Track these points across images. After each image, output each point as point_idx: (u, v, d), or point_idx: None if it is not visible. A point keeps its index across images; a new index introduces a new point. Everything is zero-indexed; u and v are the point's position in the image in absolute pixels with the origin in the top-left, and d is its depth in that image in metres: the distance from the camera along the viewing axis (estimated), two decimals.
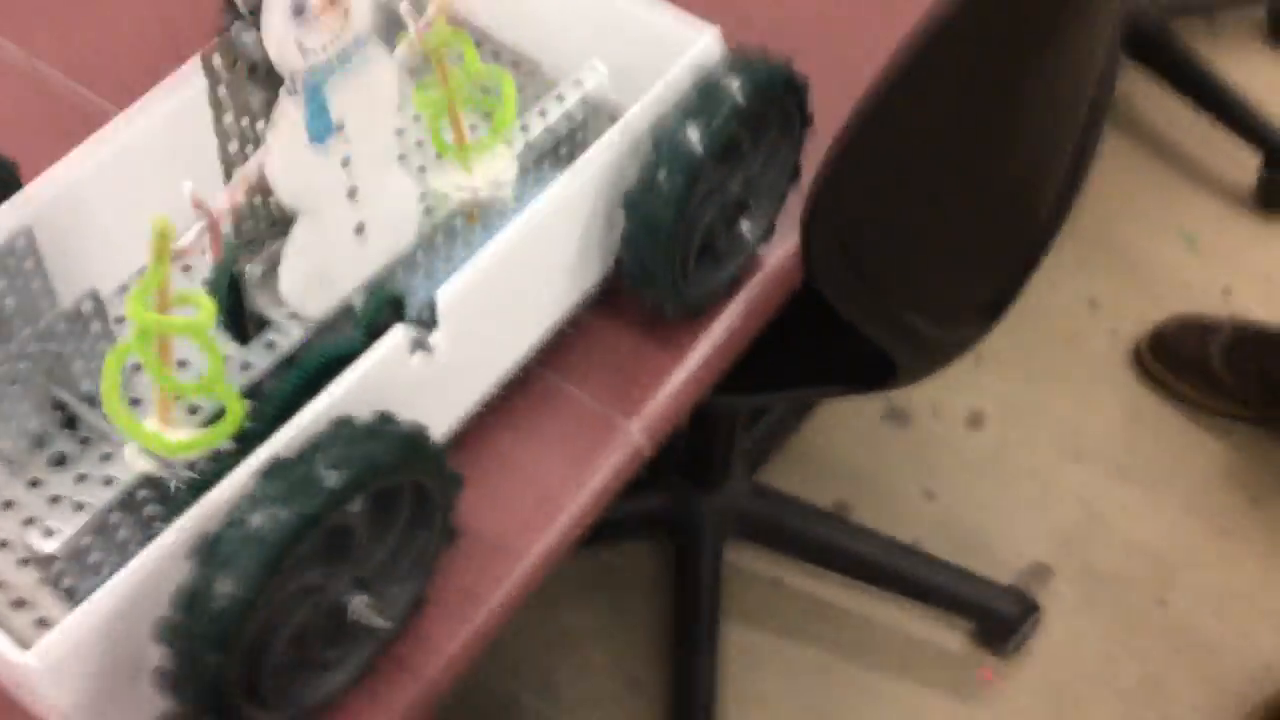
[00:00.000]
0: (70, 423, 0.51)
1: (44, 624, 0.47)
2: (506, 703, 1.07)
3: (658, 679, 1.08)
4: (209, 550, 0.41)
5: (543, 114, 0.55)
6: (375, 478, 0.44)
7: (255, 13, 0.40)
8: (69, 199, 0.50)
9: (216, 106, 0.41)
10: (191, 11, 0.68)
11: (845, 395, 0.79)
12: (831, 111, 0.58)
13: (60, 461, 0.51)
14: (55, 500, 0.50)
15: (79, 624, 0.41)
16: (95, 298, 0.48)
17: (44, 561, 0.44)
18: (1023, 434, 1.19)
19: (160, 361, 0.43)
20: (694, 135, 0.52)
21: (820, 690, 1.07)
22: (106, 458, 0.51)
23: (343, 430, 0.44)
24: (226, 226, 0.44)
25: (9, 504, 0.50)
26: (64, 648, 0.40)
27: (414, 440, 0.45)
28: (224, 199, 0.43)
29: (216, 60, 0.40)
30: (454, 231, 0.54)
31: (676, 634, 1.06)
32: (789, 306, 0.64)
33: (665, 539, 1.11)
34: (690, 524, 1.05)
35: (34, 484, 0.50)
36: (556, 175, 0.58)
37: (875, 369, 0.72)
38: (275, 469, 0.42)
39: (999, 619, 1.07)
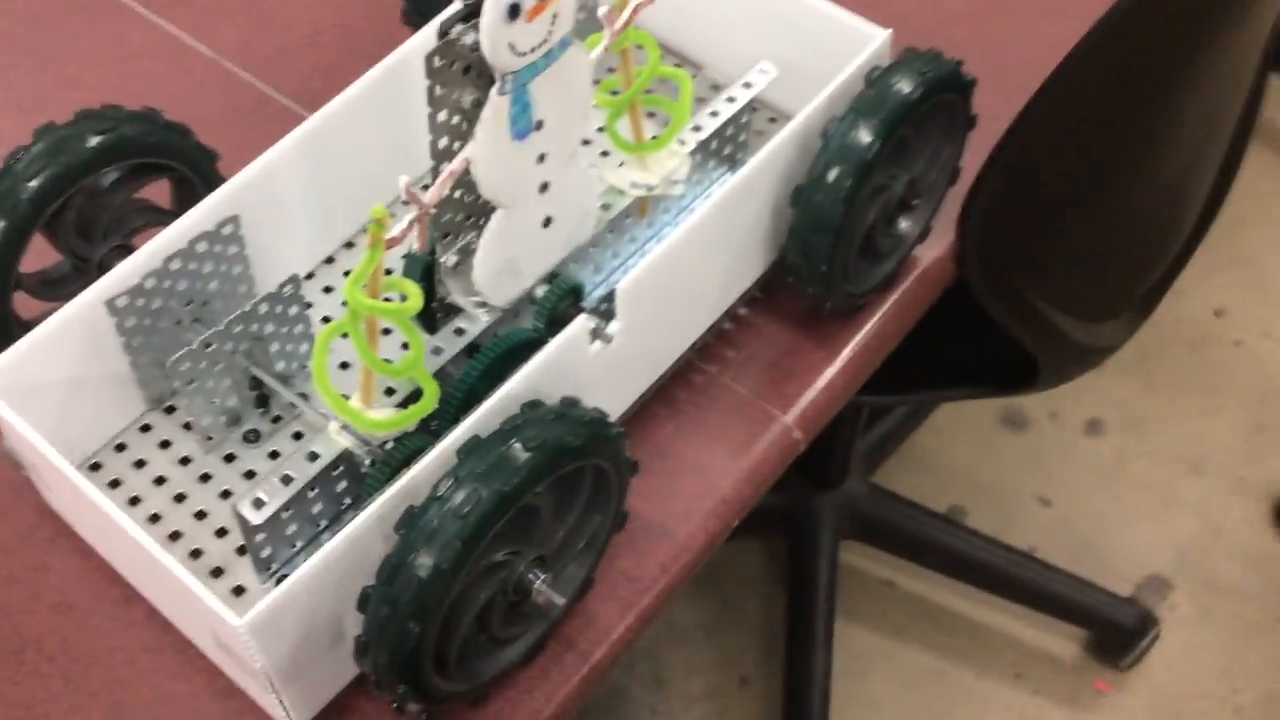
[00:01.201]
0: (262, 402, 0.54)
1: (239, 591, 0.50)
2: (617, 694, 1.09)
3: (767, 676, 1.09)
4: (413, 524, 0.43)
5: (714, 114, 0.56)
6: (564, 459, 0.45)
7: (473, 17, 0.41)
8: (268, 190, 0.53)
9: (434, 104, 0.44)
10: (365, 15, 0.71)
11: (983, 397, 0.80)
12: (987, 111, 0.59)
13: (253, 439, 0.53)
14: (249, 475, 0.52)
15: (288, 592, 0.43)
16: (296, 282, 0.51)
17: (249, 531, 0.46)
18: (1142, 443, 1.18)
19: (368, 343, 0.45)
20: (865, 136, 0.53)
21: (931, 695, 1.07)
22: (297, 436, 0.54)
23: (533, 413, 0.46)
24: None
25: (206, 477, 0.52)
26: (273, 614, 0.43)
27: (597, 424, 0.47)
28: (432, 193, 0.45)
29: (437, 60, 0.42)
30: (622, 226, 0.56)
31: (790, 632, 1.07)
32: (932, 308, 0.65)
33: (778, 536, 1.12)
34: (807, 522, 1.05)
35: (228, 459, 0.53)
36: (718, 172, 0.60)
37: (1016, 371, 0.72)
38: (475, 448, 0.44)
39: (1116, 630, 1.06)
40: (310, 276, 0.58)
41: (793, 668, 1.05)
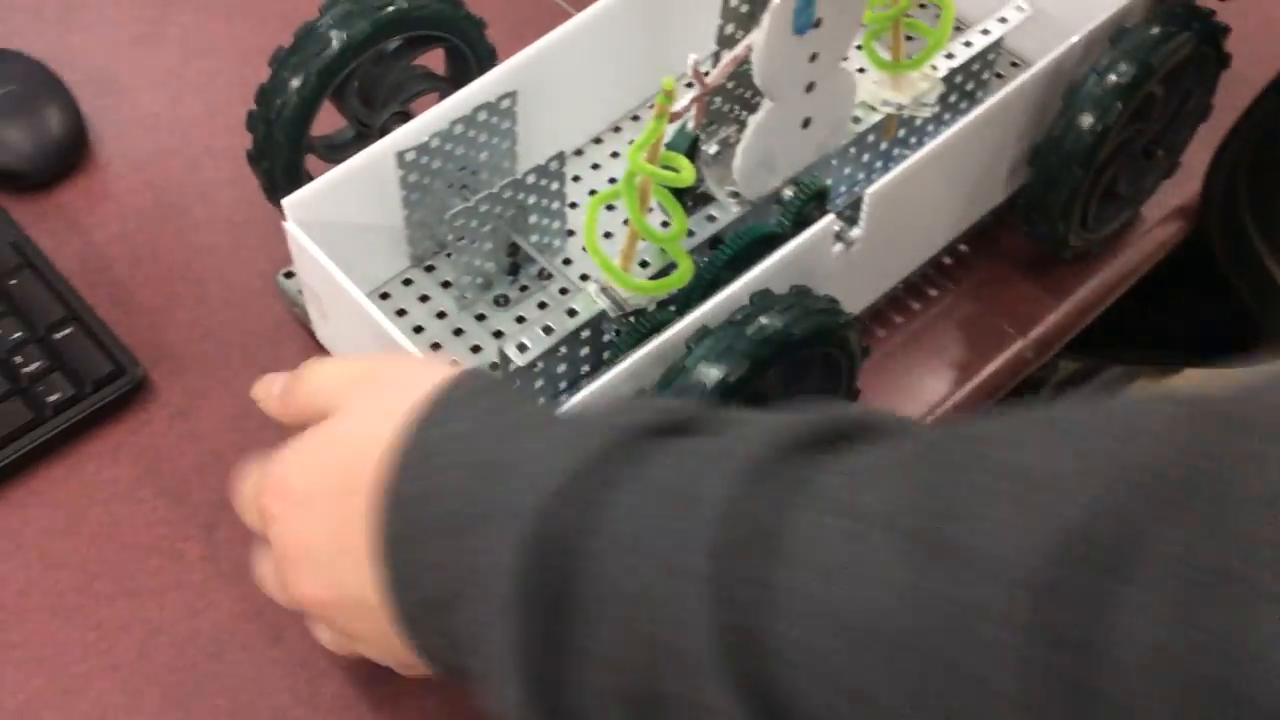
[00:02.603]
0: (513, 270, 0.57)
1: None
2: None
3: None
4: (659, 387, 0.46)
5: (968, 44, 0.58)
6: (797, 346, 0.48)
7: None
8: (540, 72, 0.56)
9: None
10: None
11: (1193, 366, 0.79)
12: (1241, 62, 0.59)
13: (502, 303, 0.57)
14: (498, 335, 0.56)
15: None
16: (561, 158, 0.54)
17: (510, 374, 0.50)
18: None
19: (639, 208, 0.48)
20: (1117, 84, 0.54)
21: None
22: (542, 306, 0.57)
23: (767, 300, 0.48)
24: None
25: (459, 331, 0.57)
26: None
27: (828, 312, 0.49)
28: (715, 75, 0.47)
29: None
30: (864, 141, 0.58)
31: None
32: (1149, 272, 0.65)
33: None
34: None
35: (479, 318, 0.57)
36: (956, 105, 0.61)
37: (1232, 339, 0.72)
38: (704, 334, 0.47)
39: None
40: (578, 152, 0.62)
41: None
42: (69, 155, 0.64)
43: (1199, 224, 0.63)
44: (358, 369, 0.43)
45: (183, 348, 0.58)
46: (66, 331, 0.56)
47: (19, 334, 0.56)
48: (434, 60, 0.58)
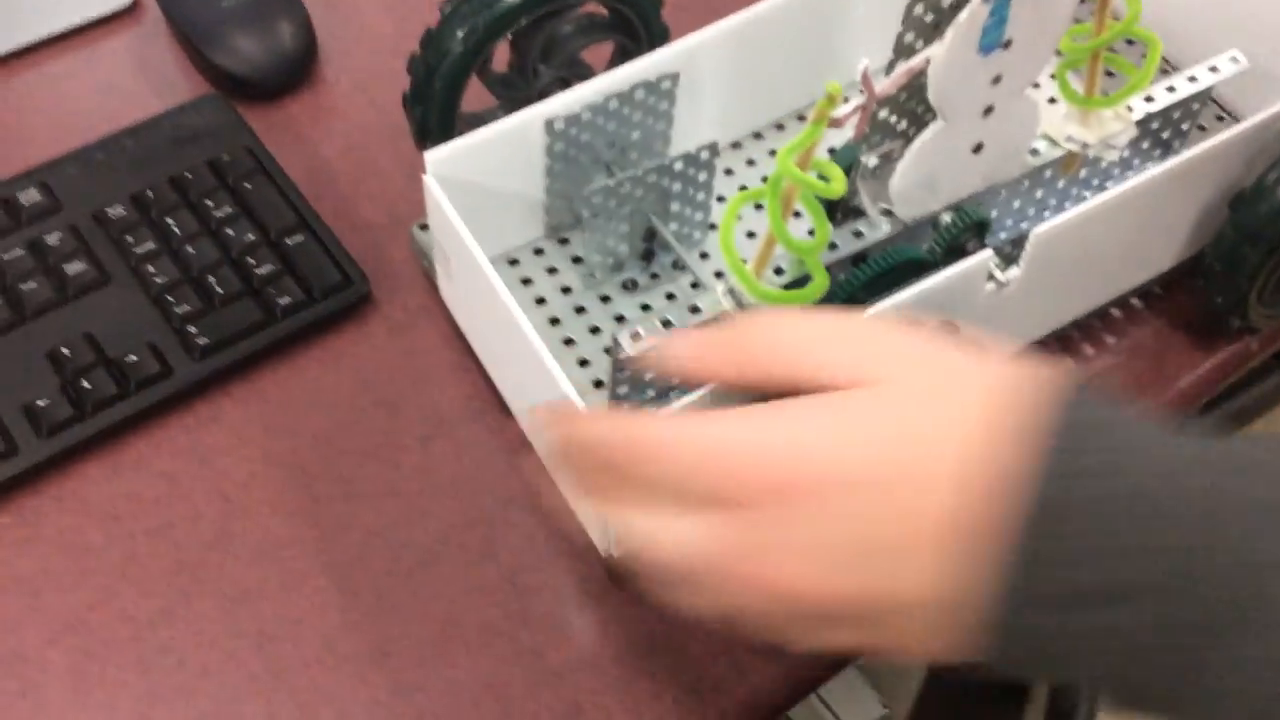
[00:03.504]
0: (647, 256, 0.56)
1: None
2: None
3: None
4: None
5: (1171, 90, 0.54)
6: None
7: None
8: (707, 58, 0.54)
9: None
10: None
11: None
12: None
13: (630, 287, 0.55)
14: (620, 319, 0.55)
15: None
16: (714, 149, 0.52)
17: (619, 362, 0.48)
18: None
19: (780, 213, 0.45)
20: None
21: None
22: (670, 297, 0.55)
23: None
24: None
25: (580, 309, 0.55)
26: None
27: None
28: (887, 84, 0.45)
29: None
30: (1041, 177, 0.54)
31: None
32: None
33: None
34: None
35: (604, 299, 0.55)
36: (1148, 151, 0.57)
37: None
38: None
39: None
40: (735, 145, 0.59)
41: None
42: (299, 68, 0.65)
43: None
44: (872, 342, 0.37)
45: (401, 266, 0.59)
46: (298, 239, 0.57)
47: (252, 236, 0.57)
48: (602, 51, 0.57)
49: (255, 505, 0.52)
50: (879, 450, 0.35)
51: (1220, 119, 0.61)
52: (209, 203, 0.58)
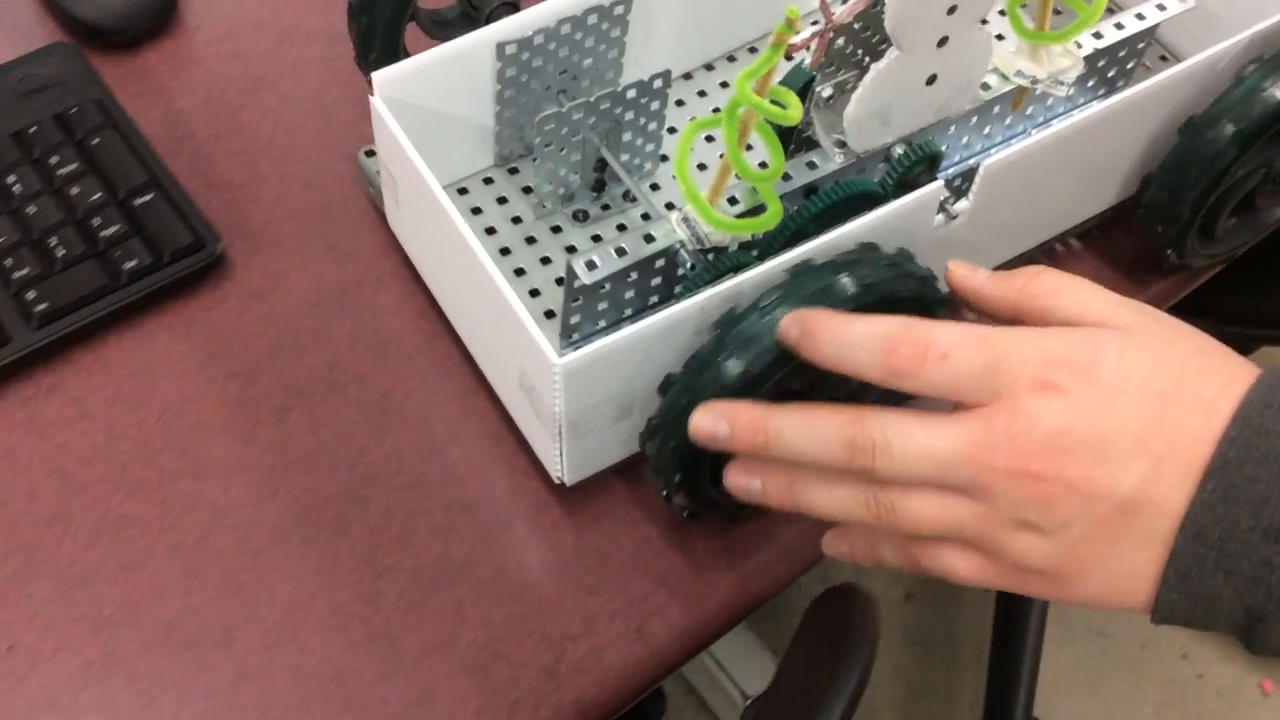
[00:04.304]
0: (598, 187, 0.55)
1: None
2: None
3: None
4: (731, 325, 0.44)
5: (1119, 26, 0.54)
6: (887, 306, 0.45)
7: None
8: None
9: None
10: None
11: None
12: None
13: (581, 219, 0.55)
14: (570, 249, 0.54)
15: (603, 349, 0.44)
16: (666, 77, 0.52)
17: (573, 290, 0.47)
18: None
19: (737, 141, 0.45)
20: (1270, 95, 0.50)
21: (1092, 653, 1.06)
22: (621, 228, 0.55)
23: (869, 254, 0.45)
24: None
25: (531, 239, 0.54)
26: (585, 364, 0.44)
27: (927, 283, 0.46)
28: (844, 11, 0.44)
29: None
30: (989, 113, 0.54)
31: None
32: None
33: None
34: None
35: (555, 230, 0.55)
36: (1094, 89, 0.57)
37: None
38: (805, 270, 0.44)
39: None
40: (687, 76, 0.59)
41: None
42: (158, 15, 0.62)
43: None
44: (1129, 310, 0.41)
45: (262, 227, 0.56)
46: (147, 198, 0.55)
47: (98, 195, 0.54)
48: None
49: (95, 482, 0.50)
50: (1163, 372, 0.39)
51: (1164, 58, 0.62)
52: (54, 159, 0.55)
